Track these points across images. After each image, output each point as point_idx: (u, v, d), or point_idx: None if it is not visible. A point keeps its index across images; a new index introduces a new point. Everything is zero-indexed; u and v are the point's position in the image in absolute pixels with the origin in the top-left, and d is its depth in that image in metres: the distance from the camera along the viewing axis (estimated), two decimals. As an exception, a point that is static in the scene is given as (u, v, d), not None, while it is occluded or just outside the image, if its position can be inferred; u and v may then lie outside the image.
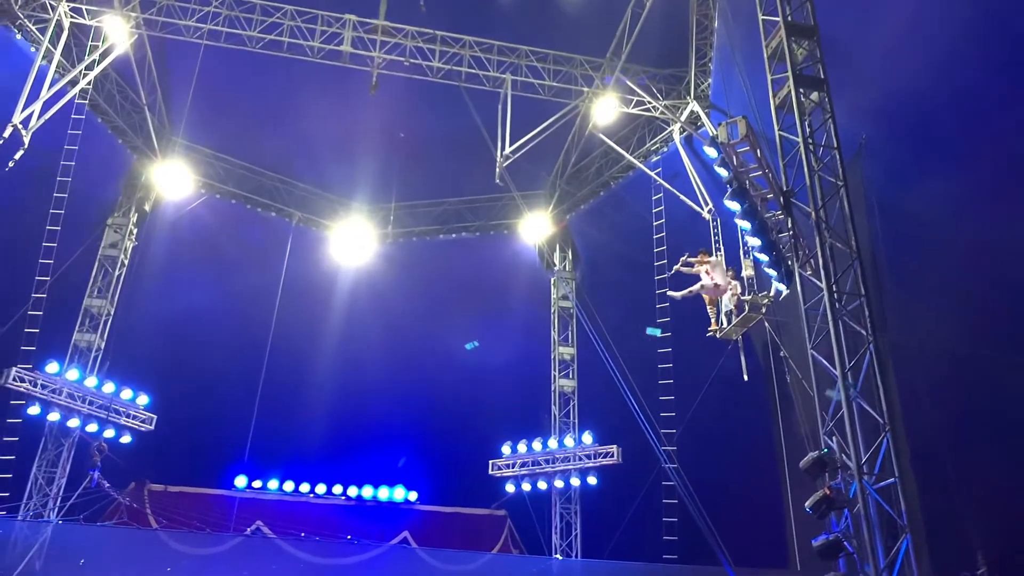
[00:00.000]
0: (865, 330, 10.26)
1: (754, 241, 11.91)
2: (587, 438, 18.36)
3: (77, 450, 16.81)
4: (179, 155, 18.65)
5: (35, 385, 15.88)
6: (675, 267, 13.86)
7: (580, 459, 18.25)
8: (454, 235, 21.24)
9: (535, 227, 19.73)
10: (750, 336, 14.82)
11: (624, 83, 17.01)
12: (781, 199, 11.34)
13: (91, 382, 16.86)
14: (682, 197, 16.64)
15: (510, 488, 19.07)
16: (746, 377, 14.34)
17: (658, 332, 18.18)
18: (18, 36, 15.35)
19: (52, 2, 15.07)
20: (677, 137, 17.32)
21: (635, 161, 18.06)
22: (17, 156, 13.62)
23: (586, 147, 19.25)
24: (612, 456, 17.82)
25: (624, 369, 16.42)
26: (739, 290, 13.67)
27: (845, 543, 9.33)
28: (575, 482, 18.36)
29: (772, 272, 11.99)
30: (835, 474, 9.77)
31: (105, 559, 15.31)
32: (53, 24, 14.80)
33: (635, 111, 17.37)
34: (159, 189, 18.48)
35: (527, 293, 20.83)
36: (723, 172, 11.59)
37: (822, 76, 11.36)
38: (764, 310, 13.26)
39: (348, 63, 16.62)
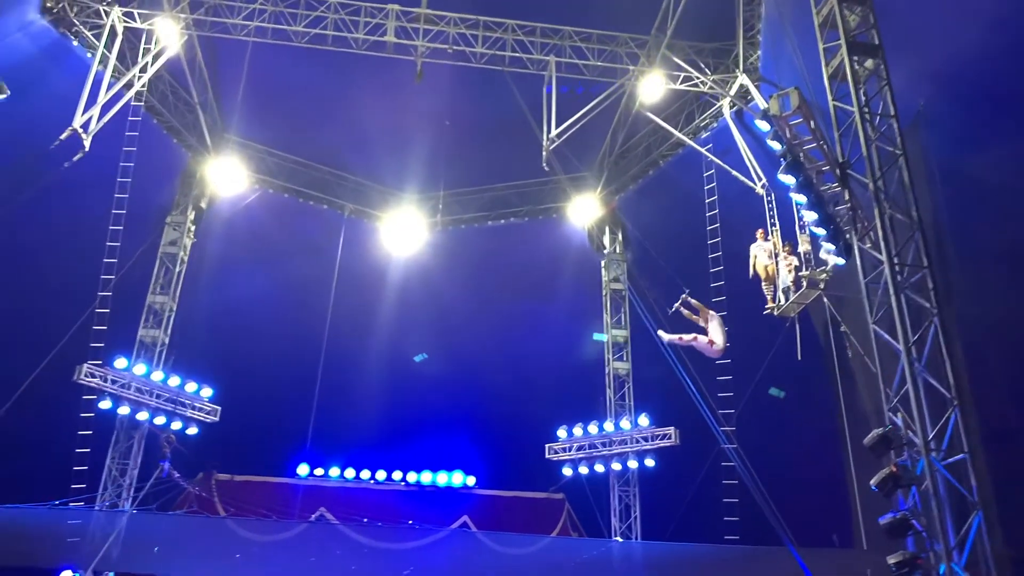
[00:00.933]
0: (929, 302, 9.97)
1: (810, 215, 11.65)
2: (643, 420, 18.29)
3: (147, 442, 17.35)
4: (232, 152, 19.01)
5: (105, 380, 16.42)
6: (675, 305, 13.23)
7: (637, 441, 18.20)
8: (502, 221, 21.23)
9: (584, 210, 19.61)
10: (809, 312, 14.51)
11: (670, 59, 16.74)
12: (837, 171, 11.08)
13: (157, 376, 17.39)
14: (734, 173, 16.32)
15: (567, 471, 19.10)
16: (800, 356, 14.07)
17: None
18: (75, 43, 15.80)
19: (105, 8, 15.45)
20: (727, 112, 16.98)
21: (684, 138, 17.78)
22: (76, 158, 14.02)
23: (633, 126, 19.02)
24: (669, 438, 17.72)
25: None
26: (796, 265, 13.39)
27: (913, 521, 9.12)
28: (632, 465, 18.30)
29: (830, 246, 11.71)
30: (901, 451, 9.55)
31: (178, 546, 15.84)
32: (107, 29, 15.18)
33: (682, 87, 17.08)
34: (214, 186, 18.89)
35: (577, 277, 20.74)
36: (776, 145, 11.37)
37: (876, 42, 11.02)
38: (823, 285, 12.96)
39: (392, 53, 16.69)
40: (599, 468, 18.71)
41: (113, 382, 16.55)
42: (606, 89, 17.17)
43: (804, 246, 13.67)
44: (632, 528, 18.18)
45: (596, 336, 18.11)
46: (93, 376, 16.22)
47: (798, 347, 14.10)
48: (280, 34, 16.33)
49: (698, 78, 16.78)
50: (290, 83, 18.67)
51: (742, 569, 15.90)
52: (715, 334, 12.80)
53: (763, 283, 14.19)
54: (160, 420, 17.35)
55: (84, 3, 15.56)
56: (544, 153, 16.70)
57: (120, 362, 16.78)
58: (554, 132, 16.50)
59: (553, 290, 20.84)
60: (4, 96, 8.82)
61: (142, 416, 17.12)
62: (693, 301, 13.15)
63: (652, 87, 16.96)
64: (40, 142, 14.50)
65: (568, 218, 20.14)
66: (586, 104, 16.94)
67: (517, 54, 16.84)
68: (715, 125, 17.75)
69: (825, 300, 13.71)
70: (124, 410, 16.82)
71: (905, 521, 9.17)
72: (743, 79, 16.46)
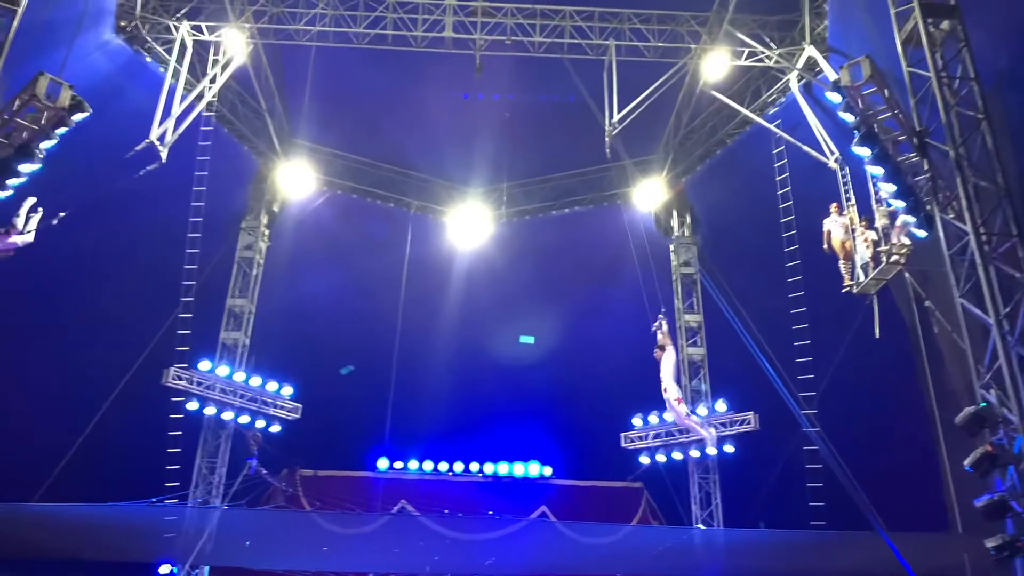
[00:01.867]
0: (1020, 272, 9.49)
1: (888, 187, 11.24)
2: (721, 406, 17.99)
3: (233, 441, 17.98)
4: (300, 155, 19.44)
5: (191, 383, 17.08)
6: (654, 326, 13.13)
7: (715, 427, 17.87)
8: (567, 209, 21.14)
9: (649, 194, 19.36)
10: (890, 289, 14.00)
11: (734, 35, 16.33)
12: (915, 140, 10.65)
13: (240, 377, 17.97)
14: (805, 148, 15.85)
15: (644, 460, 18.95)
16: (878, 334, 13.59)
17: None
18: (148, 59, 16.36)
19: (175, 23, 15.94)
20: (795, 85, 16.48)
21: (751, 115, 17.34)
22: (152, 167, 14.51)
23: (697, 106, 18.64)
24: (748, 423, 17.40)
25: (755, 333, 15.91)
26: (874, 240, 12.92)
27: (1012, 502, 8.71)
28: (711, 451, 18.01)
29: (910, 218, 11.26)
30: (996, 429, 9.13)
31: (267, 540, 16.39)
32: (177, 44, 15.66)
33: (747, 63, 16.65)
34: (284, 190, 19.37)
35: (646, 262, 20.48)
36: (849, 117, 11.00)
37: (952, 2, 10.50)
38: (903, 260, 12.48)
39: (451, 48, 16.77)
40: (677, 456, 18.49)
41: (199, 384, 17.19)
42: (668, 70, 16.88)
43: (882, 220, 13.18)
44: (714, 515, 17.92)
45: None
46: (180, 379, 16.87)
47: (876, 325, 13.63)
48: (341, 37, 16.59)
49: (763, 53, 16.33)
50: (353, 85, 18.95)
51: (831, 555, 15.50)
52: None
53: (840, 261, 13.76)
54: (244, 419, 17.94)
55: (155, 20, 16.09)
56: (607, 138, 16.53)
57: (204, 364, 17.41)
58: (616, 117, 16.31)
59: (621, 277, 20.61)
60: (87, 114, 9.18)
61: (227, 416, 17.73)
62: (661, 332, 12.76)
63: (716, 65, 16.57)
64: (120, 156, 15.12)
65: (633, 203, 19.91)
66: (648, 87, 16.68)
67: (576, 40, 16.70)
68: (783, 100, 17.26)
69: (907, 275, 13.20)
70: (210, 411, 17.46)
71: (1003, 503, 8.78)
72: (810, 51, 15.94)
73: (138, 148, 14.14)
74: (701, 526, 17.72)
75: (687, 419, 12.99)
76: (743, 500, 17.92)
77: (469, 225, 20.19)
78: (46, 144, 9.38)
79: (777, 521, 16.53)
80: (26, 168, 9.45)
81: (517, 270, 21.02)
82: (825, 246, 13.95)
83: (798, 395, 15.89)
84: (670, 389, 12.31)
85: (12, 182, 9.68)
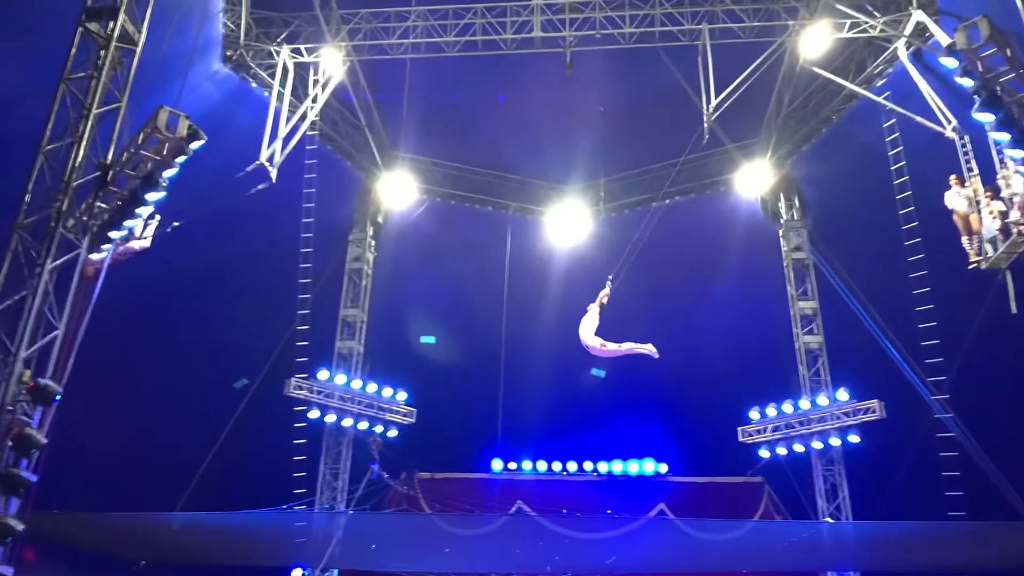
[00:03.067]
0: None
1: (1015, 152, 10.51)
2: (842, 395, 17.25)
3: (354, 447, 18.58)
4: (401, 167, 19.89)
5: (312, 392, 17.76)
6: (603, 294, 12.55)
7: (837, 417, 17.17)
8: (667, 200, 20.62)
9: (753, 178, 18.78)
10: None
11: (834, 7, 15.64)
12: (1045, 100, 9.89)
13: (356, 384, 18.55)
14: (918, 119, 15.04)
15: (764, 453, 18.40)
16: (1015, 309, 12.67)
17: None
18: (253, 84, 17.13)
19: (276, 48, 16.63)
20: (903, 54, 15.67)
21: (858, 89, 16.58)
22: (261, 187, 15.18)
23: (798, 84, 17.95)
24: (874, 411, 16.59)
25: (876, 316, 15.19)
26: (1001, 211, 12.06)
27: None
28: (835, 442, 17.29)
29: (1043, 185, 10.49)
30: None
31: (392, 543, 16.85)
32: (280, 67, 16.34)
33: (850, 35, 15.93)
34: (387, 201, 19.88)
35: (753, 250, 19.86)
36: (967, 82, 10.35)
37: (1080, -53, 9.72)
38: (1038, 230, 11.61)
39: (540, 48, 16.78)
40: (798, 448, 17.86)
41: (318, 393, 17.86)
42: (764, 50, 16.35)
43: (1009, 189, 12.31)
44: (841, 508, 17.18)
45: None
46: (301, 389, 17.57)
47: (1012, 300, 12.73)
48: (433, 47, 16.85)
49: (867, 22, 15.58)
50: (446, 93, 19.25)
51: (974, 547, 14.62)
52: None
53: (962, 236, 12.94)
54: (363, 425, 18.52)
55: (258, 46, 16.82)
56: (705, 125, 16.16)
57: (323, 374, 18.08)
58: (714, 102, 15.92)
59: (728, 266, 20.10)
60: (203, 141, 9.68)
61: (347, 423, 18.34)
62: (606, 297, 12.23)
63: (816, 40, 15.94)
64: (232, 180, 15.91)
65: (737, 190, 19.37)
66: (745, 68, 16.19)
67: (667, 28, 16.40)
68: (891, 70, 16.41)
69: (1042, 246, 12.27)
70: (331, 418, 18.10)
71: None
72: (919, 16, 15.12)
73: (248, 169, 14.83)
74: (829, 519, 17.04)
75: (621, 348, 12.32)
76: (872, 492, 17.16)
77: (568, 223, 20.12)
78: (168, 173, 9.91)
79: (911, 512, 15.71)
80: (152, 196, 10.01)
81: (616, 266, 20.76)
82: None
83: (927, 380, 15.06)
84: (591, 341, 11.73)
85: (140, 210, 10.28)
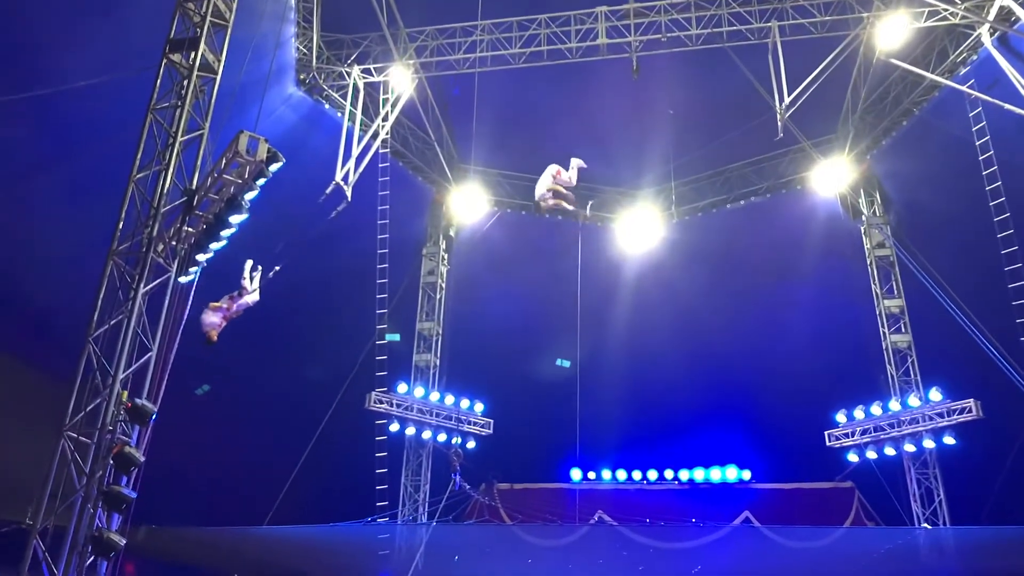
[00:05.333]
0: None
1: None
2: (935, 395, 16.52)
3: (434, 458, 18.74)
4: (471, 180, 20.05)
5: (392, 405, 18.00)
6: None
7: (930, 419, 16.46)
8: (742, 202, 20.31)
9: (832, 176, 18.22)
10: None
11: (911, -4, 15.14)
12: None
13: (434, 396, 18.74)
14: (1007, 107, 14.35)
15: (853, 458, 17.76)
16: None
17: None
18: (327, 106, 17.57)
19: (346, 70, 17.02)
20: (987, 40, 15.02)
21: (940, 79, 15.96)
22: (340, 208, 15.55)
23: (875, 77, 17.43)
24: (970, 411, 15.82)
25: (968, 313, 14.53)
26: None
27: None
28: (929, 444, 16.58)
29: None
30: None
31: (474, 554, 16.91)
32: (351, 88, 16.70)
33: (930, 24, 15.36)
34: (458, 215, 20.07)
35: (835, 248, 19.29)
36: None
37: None
38: None
39: (606, 55, 16.70)
40: (889, 451, 17.20)
41: (398, 406, 18.10)
42: (838, 44, 15.90)
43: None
44: (938, 513, 16.47)
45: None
46: (381, 402, 17.83)
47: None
48: (499, 59, 16.98)
49: (946, 10, 15.01)
50: (514, 105, 19.32)
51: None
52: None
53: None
54: (442, 437, 18.67)
55: (329, 68, 17.25)
56: (779, 122, 15.79)
57: (401, 387, 18.33)
58: (787, 99, 15.56)
59: (808, 266, 19.56)
60: (281, 163, 9.93)
61: (426, 435, 18.53)
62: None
63: (893, 31, 15.43)
64: (309, 199, 16.33)
65: (814, 188, 18.85)
66: (818, 64, 15.77)
67: (735, 27, 16.14)
68: (974, 58, 15.79)
69: None
70: (410, 431, 18.32)
71: None
72: (1003, 0, 14.47)
73: (328, 192, 15.20)
74: (927, 525, 16.33)
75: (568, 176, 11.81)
76: (971, 496, 16.38)
77: (640, 228, 19.90)
78: (249, 195, 10.19)
79: (1014, 518, 14.94)
80: (235, 219, 10.31)
81: (694, 269, 20.49)
82: None
83: (1027, 377, 14.33)
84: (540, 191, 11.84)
85: (224, 233, 10.61)
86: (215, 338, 10.70)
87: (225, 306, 10.90)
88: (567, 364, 19.43)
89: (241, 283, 11.10)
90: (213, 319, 10.72)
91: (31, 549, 8.74)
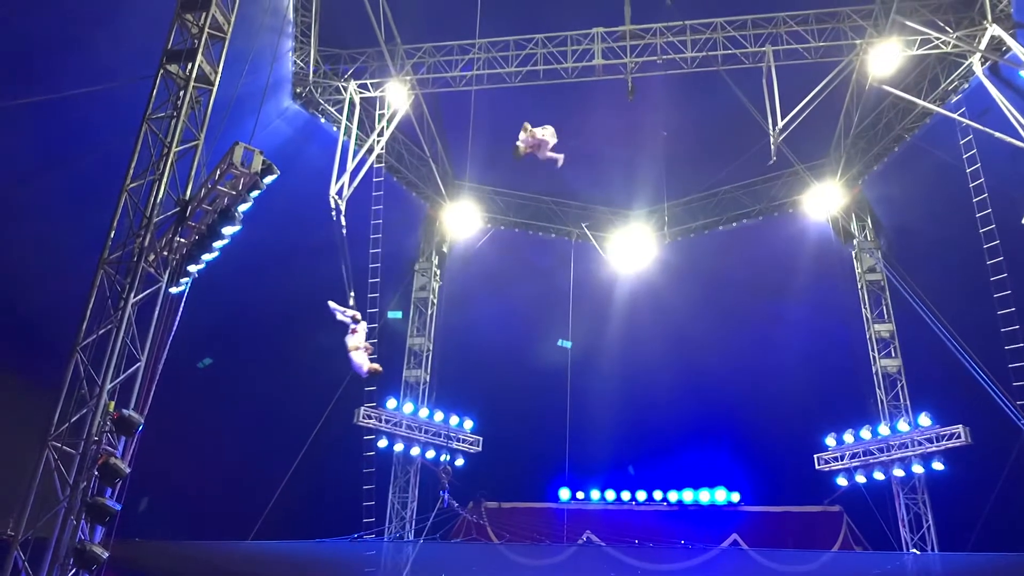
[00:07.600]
0: None
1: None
2: (924, 420, 16.58)
3: (422, 475, 18.61)
4: (465, 196, 20.08)
5: (380, 421, 17.90)
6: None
7: (919, 444, 16.53)
8: (734, 224, 20.42)
9: (824, 200, 18.35)
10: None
11: (903, 24, 15.31)
12: None
13: (423, 413, 18.65)
14: (997, 135, 14.52)
15: (842, 481, 17.77)
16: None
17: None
18: (322, 120, 17.58)
19: (343, 84, 17.07)
20: (978, 69, 15.23)
21: (931, 106, 16.14)
22: (344, 224, 15.53)
23: (867, 103, 17.58)
24: (959, 437, 15.88)
25: (958, 338, 14.60)
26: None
27: None
28: (918, 469, 16.62)
29: None
30: None
31: (461, 573, 16.71)
32: (347, 102, 16.75)
33: (922, 52, 15.54)
34: (452, 231, 20.07)
35: (826, 272, 19.37)
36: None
37: None
38: None
39: (601, 76, 16.82)
40: (878, 476, 17.21)
41: (387, 421, 18.01)
42: (831, 70, 16.07)
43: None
44: (926, 539, 16.46)
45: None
46: (370, 418, 17.73)
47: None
48: (495, 78, 17.07)
49: (938, 39, 15.22)
50: (508, 123, 19.32)
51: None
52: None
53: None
54: (430, 454, 18.55)
55: (326, 83, 17.30)
56: (772, 146, 15.91)
57: (391, 403, 18.23)
58: (780, 123, 15.68)
59: (799, 289, 19.63)
60: (276, 175, 9.91)
61: (414, 451, 18.41)
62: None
63: (885, 58, 15.62)
64: (302, 211, 16.30)
65: (805, 211, 18.96)
66: (811, 89, 15.92)
67: (730, 51, 16.31)
68: (966, 86, 16.00)
69: None
70: (399, 447, 18.22)
71: None
72: (994, 30, 14.75)
73: (333, 215, 15.21)
74: (915, 551, 16.30)
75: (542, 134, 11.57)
76: (959, 522, 16.36)
77: (632, 248, 19.96)
78: (243, 207, 10.15)
79: (1005, 543, 14.93)
80: (228, 230, 10.27)
81: (685, 290, 20.52)
82: None
83: (1015, 404, 14.36)
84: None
85: (217, 244, 10.56)
86: (378, 368, 11.46)
87: (364, 347, 11.50)
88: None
89: (347, 319, 11.41)
90: (362, 355, 11.35)
91: (12, 560, 8.60)
